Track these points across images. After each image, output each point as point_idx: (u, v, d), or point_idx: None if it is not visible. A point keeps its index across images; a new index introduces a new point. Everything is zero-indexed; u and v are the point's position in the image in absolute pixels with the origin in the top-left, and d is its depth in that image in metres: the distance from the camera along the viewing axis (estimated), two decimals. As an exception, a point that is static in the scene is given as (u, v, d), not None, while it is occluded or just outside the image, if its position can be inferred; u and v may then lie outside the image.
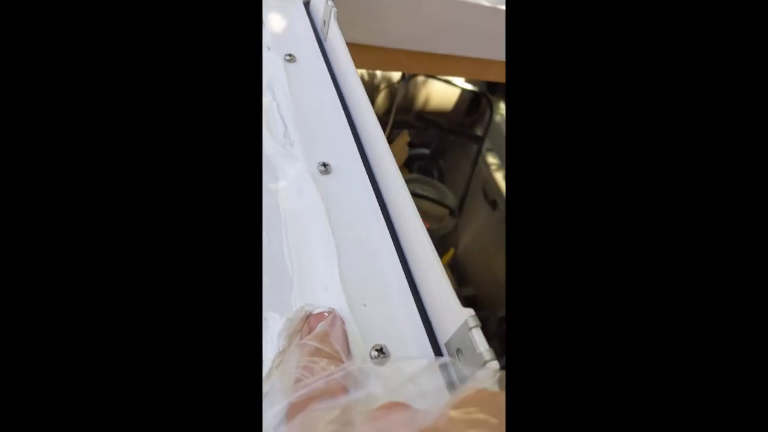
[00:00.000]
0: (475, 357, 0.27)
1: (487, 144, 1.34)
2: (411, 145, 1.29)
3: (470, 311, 0.28)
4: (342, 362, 0.24)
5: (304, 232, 0.36)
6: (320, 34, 0.54)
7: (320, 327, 0.27)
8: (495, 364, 0.26)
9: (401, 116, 1.27)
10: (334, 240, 0.36)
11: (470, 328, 0.27)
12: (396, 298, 0.35)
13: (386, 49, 0.70)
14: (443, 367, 0.26)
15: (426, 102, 1.32)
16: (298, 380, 0.22)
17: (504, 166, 1.34)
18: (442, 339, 0.32)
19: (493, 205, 1.33)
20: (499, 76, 0.83)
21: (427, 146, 1.38)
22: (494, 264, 1.28)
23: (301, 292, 0.32)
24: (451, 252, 1.33)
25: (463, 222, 1.36)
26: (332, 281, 0.33)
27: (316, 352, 0.24)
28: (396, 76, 1.22)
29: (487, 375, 0.22)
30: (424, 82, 1.29)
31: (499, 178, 1.32)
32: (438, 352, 0.32)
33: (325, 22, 0.52)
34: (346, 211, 0.39)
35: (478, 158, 1.33)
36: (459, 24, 0.73)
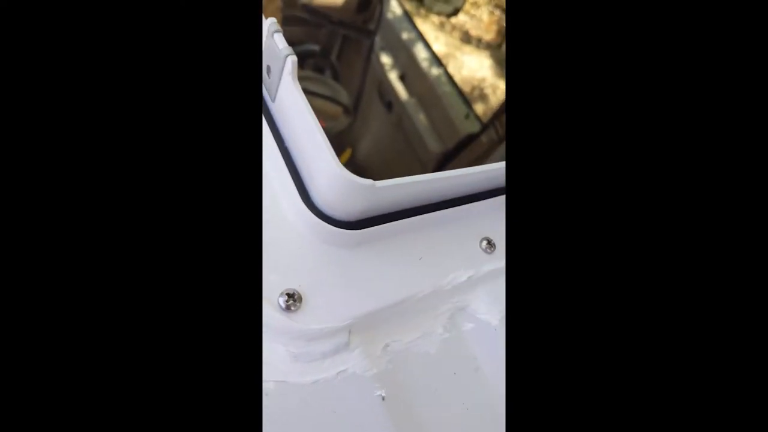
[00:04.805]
0: (278, 57, 0.28)
1: (379, 42, 1.33)
2: (300, 41, 1.25)
3: (272, 19, 0.28)
4: None
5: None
6: None
7: None
8: (293, 57, 0.27)
9: (289, 10, 1.22)
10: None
11: (272, 33, 0.28)
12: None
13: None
14: None
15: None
16: None
17: (397, 65, 1.34)
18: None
19: (389, 106, 1.34)
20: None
21: (317, 42, 1.34)
22: (393, 165, 1.30)
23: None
24: (349, 151, 1.34)
25: (360, 123, 1.37)
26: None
27: None
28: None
29: None
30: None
31: (393, 78, 1.33)
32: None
33: None
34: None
35: (370, 55, 1.32)
36: None
